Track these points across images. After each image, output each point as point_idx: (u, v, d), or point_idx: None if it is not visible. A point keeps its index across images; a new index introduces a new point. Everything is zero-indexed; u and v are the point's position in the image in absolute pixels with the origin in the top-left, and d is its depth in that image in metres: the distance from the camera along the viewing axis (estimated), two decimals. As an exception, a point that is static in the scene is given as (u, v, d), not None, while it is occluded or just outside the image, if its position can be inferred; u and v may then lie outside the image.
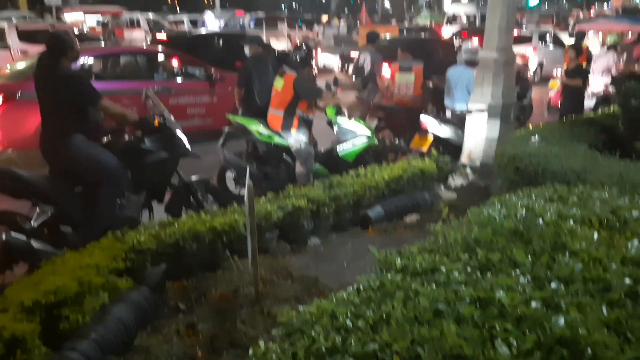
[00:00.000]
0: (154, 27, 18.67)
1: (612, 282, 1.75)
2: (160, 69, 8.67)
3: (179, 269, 3.67)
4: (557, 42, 17.73)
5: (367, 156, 6.28)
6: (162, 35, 12.70)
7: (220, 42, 11.61)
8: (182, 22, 23.06)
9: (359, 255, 4.29)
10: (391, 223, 4.99)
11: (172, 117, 4.41)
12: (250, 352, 1.56)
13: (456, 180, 6.41)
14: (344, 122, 6.15)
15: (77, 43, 4.01)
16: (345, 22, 28.07)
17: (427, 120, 6.90)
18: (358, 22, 28.19)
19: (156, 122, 4.25)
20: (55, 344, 2.66)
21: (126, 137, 4.30)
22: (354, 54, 13.40)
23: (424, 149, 6.72)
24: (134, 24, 19.16)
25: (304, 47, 5.59)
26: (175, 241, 3.62)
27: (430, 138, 6.83)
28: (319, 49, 18.77)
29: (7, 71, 7.77)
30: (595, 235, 2.12)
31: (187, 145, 4.44)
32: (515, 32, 17.52)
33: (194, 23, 22.82)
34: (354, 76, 10.97)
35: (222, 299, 3.30)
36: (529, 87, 10.11)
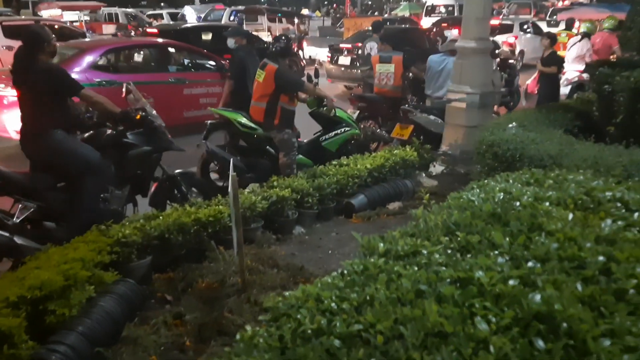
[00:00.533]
0: (133, 21, 18.42)
1: (587, 260, 1.82)
2: (174, 61, 9.06)
3: (165, 260, 3.70)
4: (537, 30, 17.99)
5: (349, 146, 6.33)
6: (152, 29, 13.15)
7: (210, 34, 11.87)
8: (162, 16, 22.79)
9: (343, 242, 4.35)
10: (374, 211, 5.07)
11: (154, 111, 4.40)
12: (238, 337, 1.59)
13: (437, 168, 6.51)
14: (326, 112, 6.18)
15: (54, 37, 3.97)
16: (331, 15, 28.18)
17: (408, 110, 6.96)
18: (341, 14, 28.31)
19: (138, 117, 4.24)
20: (42, 339, 2.68)
21: (108, 131, 4.28)
22: (344, 45, 13.51)
23: (405, 137, 6.80)
24: (112, 19, 18.91)
25: (283, 38, 5.59)
26: (161, 233, 3.64)
27: (411, 127, 6.90)
28: (304, 42, 18.78)
29: None
30: (570, 216, 2.19)
31: (170, 138, 4.44)
32: (498, 22, 18.30)
33: (173, 17, 22.57)
34: (358, 64, 11.73)
35: (208, 289, 3.34)
36: (517, 74, 10.24)
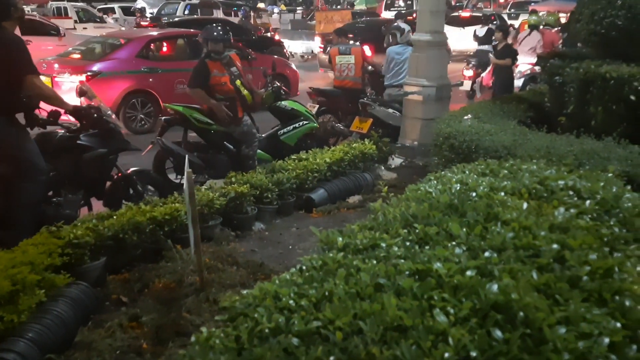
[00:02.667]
0: (83, 15, 17.81)
1: (541, 248, 1.84)
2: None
3: (120, 261, 3.60)
4: (502, 23, 18.52)
5: (308, 140, 6.31)
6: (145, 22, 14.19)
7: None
8: (113, 10, 22.12)
9: (303, 237, 4.33)
10: (334, 205, 5.06)
11: (109, 111, 4.25)
12: (193, 339, 1.54)
13: (396, 161, 6.56)
14: (284, 105, 6.14)
15: (21, 1, 3.69)
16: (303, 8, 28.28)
17: (367, 104, 6.99)
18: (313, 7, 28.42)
19: (93, 117, 4.06)
20: (-11, 347, 2.55)
21: (60, 132, 4.09)
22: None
23: (365, 131, 6.82)
24: (61, 13, 18.23)
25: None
26: (115, 233, 3.53)
27: (370, 120, 6.92)
28: (276, 35, 18.66)
29: (78, 55, 8.82)
30: (525, 205, 2.22)
31: (126, 138, 4.30)
32: (468, 14, 19.37)
33: (125, 10, 21.92)
34: None
35: (166, 289, 3.26)
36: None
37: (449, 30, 18.29)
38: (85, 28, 16.55)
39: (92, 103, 4.21)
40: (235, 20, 18.82)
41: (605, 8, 4.86)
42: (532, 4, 20.96)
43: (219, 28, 5.51)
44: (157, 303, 3.14)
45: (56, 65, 8.25)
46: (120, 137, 4.26)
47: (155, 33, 9.61)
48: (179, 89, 8.19)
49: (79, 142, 4.05)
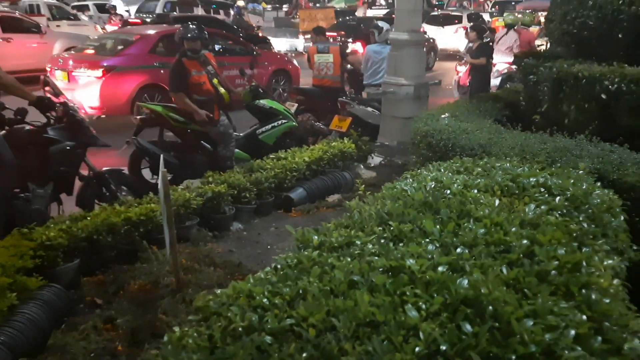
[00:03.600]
0: (57, 13, 17.50)
1: (512, 244, 1.87)
2: (211, 46, 9.78)
3: (94, 263, 3.55)
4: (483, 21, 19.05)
5: (287, 139, 6.30)
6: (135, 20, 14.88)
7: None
8: (87, 7, 21.78)
9: (282, 237, 4.32)
10: (314, 204, 5.06)
11: (75, 105, 4.19)
12: (165, 338, 1.53)
13: (375, 159, 6.59)
14: (263, 104, 6.13)
15: None
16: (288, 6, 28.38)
17: (346, 102, 7.00)
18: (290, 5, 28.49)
19: (60, 111, 4.01)
20: (-42, 352, 2.50)
21: (27, 127, 4.03)
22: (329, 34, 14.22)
23: (344, 130, 6.83)
24: (34, 11, 17.92)
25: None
26: (89, 235, 3.49)
27: (350, 119, 6.94)
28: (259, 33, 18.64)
29: (92, 50, 9.12)
30: (497, 202, 2.25)
31: (94, 134, 4.25)
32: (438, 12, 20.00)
33: (100, 8, 21.60)
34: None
35: (141, 291, 3.23)
36: None
37: (434, 29, 18.79)
38: (58, 26, 16.25)
39: (59, 99, 4.14)
40: (217, 17, 18.72)
41: (577, 8, 4.94)
42: (514, 3, 21.43)
43: (195, 26, 5.47)
44: (133, 305, 3.11)
45: (71, 61, 8.56)
46: (88, 132, 4.21)
47: (166, 30, 9.84)
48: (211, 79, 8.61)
49: (45, 135, 4.00)
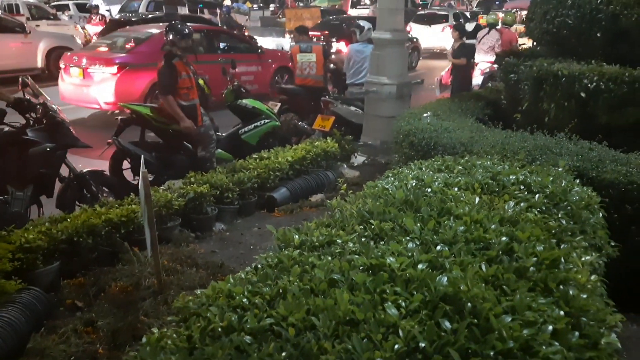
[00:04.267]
0: (36, 12, 17.26)
1: (491, 241, 1.89)
2: (218, 44, 10.54)
3: (74, 265, 3.50)
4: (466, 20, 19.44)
5: (270, 139, 6.28)
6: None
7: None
8: (68, 7, 21.49)
9: (265, 237, 4.30)
10: (297, 204, 5.05)
11: (55, 106, 4.13)
12: (144, 340, 1.52)
13: (359, 159, 6.60)
14: (245, 104, 6.10)
15: None
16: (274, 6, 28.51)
17: (329, 101, 7.00)
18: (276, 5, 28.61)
19: (39, 112, 3.96)
20: None
21: (6, 128, 3.97)
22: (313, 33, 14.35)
23: (327, 129, 6.83)
24: (12, 10, 17.65)
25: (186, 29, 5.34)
26: (69, 237, 3.45)
27: (333, 118, 6.94)
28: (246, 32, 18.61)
29: (106, 48, 9.36)
30: (477, 200, 2.27)
31: (75, 135, 4.19)
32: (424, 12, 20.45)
33: (80, 8, 21.33)
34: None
35: (122, 293, 3.19)
36: None
37: (420, 28, 19.05)
38: (38, 25, 16.00)
39: (39, 100, 4.09)
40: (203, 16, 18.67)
41: (557, 7, 5.00)
42: (498, 2, 21.79)
43: (186, 25, 5.42)
44: (114, 307, 3.07)
45: (84, 59, 8.85)
46: (68, 132, 4.15)
47: None
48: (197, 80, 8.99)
49: (25, 136, 3.94)
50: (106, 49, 9.33)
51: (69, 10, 21.12)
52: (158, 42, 8.76)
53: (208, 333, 1.48)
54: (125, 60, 8.71)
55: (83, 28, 17.79)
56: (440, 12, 21.15)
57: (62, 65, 9.27)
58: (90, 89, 8.54)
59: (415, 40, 16.55)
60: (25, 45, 12.73)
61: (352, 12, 23.97)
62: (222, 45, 10.62)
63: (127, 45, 9.18)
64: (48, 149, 4.01)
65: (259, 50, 10.83)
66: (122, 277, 3.32)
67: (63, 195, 4.31)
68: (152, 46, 8.95)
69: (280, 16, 23.94)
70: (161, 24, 11.22)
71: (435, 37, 19.07)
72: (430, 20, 20.09)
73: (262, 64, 10.83)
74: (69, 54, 9.87)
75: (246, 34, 17.90)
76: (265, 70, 10.93)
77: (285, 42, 17.24)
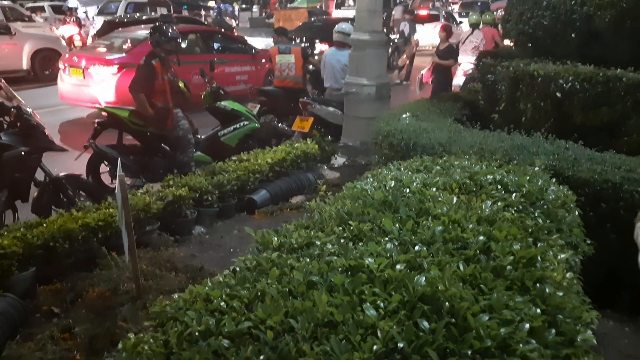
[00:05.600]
0: (10, 14, 16.95)
1: (469, 240, 1.90)
2: (216, 44, 10.85)
3: (51, 271, 3.44)
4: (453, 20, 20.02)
5: (250, 141, 6.25)
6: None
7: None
8: (43, 8, 21.12)
9: (245, 240, 4.27)
10: (277, 206, 5.03)
11: (29, 109, 4.06)
12: (120, 345, 1.49)
13: (339, 160, 6.60)
14: (224, 106, 6.07)
15: None
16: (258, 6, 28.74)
17: (307, 102, 6.99)
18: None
19: (13, 115, 3.88)
20: None
21: None
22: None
23: (306, 130, 6.81)
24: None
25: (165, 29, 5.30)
26: (45, 242, 3.38)
27: (311, 119, 6.93)
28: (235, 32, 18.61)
29: (104, 48, 9.49)
30: (455, 200, 2.28)
31: (51, 138, 4.12)
32: (426, 12, 21.19)
33: (56, 9, 20.98)
34: (396, 39, 15.74)
35: (100, 298, 3.15)
36: None
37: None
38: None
39: (12, 103, 4.02)
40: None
41: (532, 8, 5.06)
42: (480, 3, 22.23)
43: (170, 26, 5.38)
44: (91, 313, 3.02)
45: (84, 60, 9.06)
46: (43, 136, 4.09)
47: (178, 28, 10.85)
48: (195, 80, 8.98)
49: None
50: (105, 49, 9.50)
51: (44, 12, 20.77)
52: None
53: (185, 337, 1.46)
54: (125, 60, 8.85)
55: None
56: (432, 12, 21.90)
57: (61, 66, 9.43)
58: (90, 88, 8.77)
59: (395, 41, 16.74)
60: (10, 47, 12.53)
61: (337, 13, 23.99)
62: (217, 45, 10.93)
63: (125, 46, 9.38)
64: (22, 153, 3.93)
65: (253, 51, 11.12)
66: (99, 283, 3.27)
67: (39, 199, 4.24)
68: (148, 45, 9.19)
69: (268, 18, 24.05)
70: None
71: (428, 35, 19.45)
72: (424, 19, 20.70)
73: (255, 64, 11.13)
74: (67, 55, 10.06)
75: (235, 33, 17.94)
76: (259, 70, 11.23)
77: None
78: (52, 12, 20.64)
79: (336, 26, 7.75)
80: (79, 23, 16.89)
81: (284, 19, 18.40)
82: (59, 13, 20.30)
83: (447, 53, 8.73)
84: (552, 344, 1.43)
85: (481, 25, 10.08)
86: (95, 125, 5.15)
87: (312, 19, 18.66)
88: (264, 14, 28.06)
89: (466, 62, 9.68)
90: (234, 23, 23.26)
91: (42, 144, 4.10)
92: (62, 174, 4.39)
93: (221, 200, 4.70)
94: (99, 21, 16.86)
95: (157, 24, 5.57)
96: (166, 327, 1.55)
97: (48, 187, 4.26)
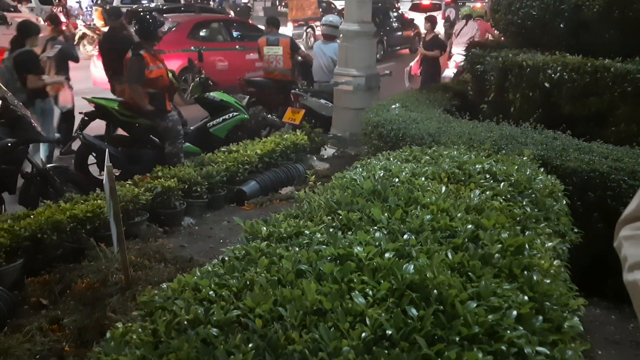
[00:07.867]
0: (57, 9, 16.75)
1: (457, 229, 1.91)
2: (235, 33, 11.36)
3: (39, 263, 3.42)
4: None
5: (239, 132, 6.22)
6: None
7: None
8: (29, 1, 20.84)
9: (235, 231, 4.27)
10: (267, 196, 5.03)
11: (15, 100, 4.01)
12: (108, 334, 1.49)
13: (329, 151, 6.60)
14: (213, 97, 6.03)
15: None
16: None
17: (299, 94, 6.97)
18: None
19: None
20: None
21: None
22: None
23: (297, 122, 6.79)
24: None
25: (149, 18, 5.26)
26: (32, 233, 3.36)
27: (303, 112, 6.91)
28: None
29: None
30: (443, 189, 2.29)
31: (39, 129, 4.08)
32: (429, 1, 22.02)
33: (43, 1, 20.71)
34: (443, 23, 16.11)
35: (89, 290, 3.13)
36: None
37: (417, 15, 19.59)
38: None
39: None
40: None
41: (521, -1, 5.07)
42: None
43: (153, 16, 5.32)
44: (80, 304, 3.01)
45: None
46: (30, 127, 4.04)
47: (198, 18, 11.43)
48: (219, 66, 10.14)
49: None
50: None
51: (30, 2, 20.48)
52: (185, 30, 10.24)
53: (174, 326, 1.46)
54: (157, 47, 9.14)
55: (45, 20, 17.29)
56: (434, 1, 22.51)
57: (94, 52, 9.78)
58: None
59: (381, 34, 16.84)
60: (7, 38, 12.37)
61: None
62: (235, 34, 11.44)
63: None
64: (9, 144, 3.89)
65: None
66: (88, 274, 3.26)
67: (26, 191, 4.20)
68: (180, 34, 10.11)
69: (282, 6, 24.37)
70: (181, 14, 12.53)
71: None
72: (425, 9, 21.00)
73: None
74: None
75: (250, 22, 18.00)
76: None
77: (288, 30, 17.52)
78: (38, 3, 20.35)
79: (323, 19, 7.73)
80: (67, 13, 16.67)
81: (297, 7, 18.52)
82: (45, 3, 20.02)
83: (433, 44, 8.72)
84: (539, 331, 1.44)
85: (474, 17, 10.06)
86: (83, 116, 5.10)
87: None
88: (277, 2, 28.37)
89: (458, 54, 9.65)
90: (232, 13, 23.21)
91: (29, 135, 4.06)
92: (49, 165, 4.35)
93: (210, 192, 4.69)
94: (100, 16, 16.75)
95: (139, 15, 5.52)
96: (155, 316, 1.55)
97: (35, 178, 4.23)
